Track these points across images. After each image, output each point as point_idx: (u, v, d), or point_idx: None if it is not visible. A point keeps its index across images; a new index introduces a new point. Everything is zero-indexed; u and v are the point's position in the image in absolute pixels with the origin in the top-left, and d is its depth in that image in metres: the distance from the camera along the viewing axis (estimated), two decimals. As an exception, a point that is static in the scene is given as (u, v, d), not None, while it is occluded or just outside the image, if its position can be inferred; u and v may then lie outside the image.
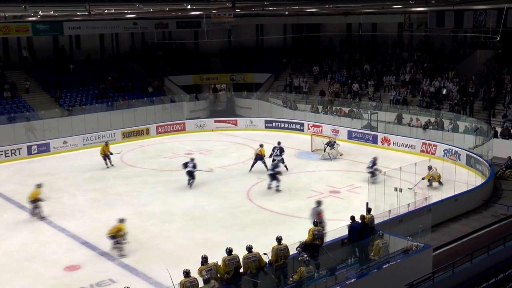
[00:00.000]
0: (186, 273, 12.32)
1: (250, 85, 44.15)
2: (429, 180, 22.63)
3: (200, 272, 12.56)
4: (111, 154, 28.11)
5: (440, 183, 22.79)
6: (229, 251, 13.30)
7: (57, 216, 21.10)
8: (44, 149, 30.65)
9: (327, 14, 41.53)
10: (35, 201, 20.58)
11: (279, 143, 26.49)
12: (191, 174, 24.01)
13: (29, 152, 30.21)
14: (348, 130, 32.67)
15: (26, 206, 22.27)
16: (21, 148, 30.08)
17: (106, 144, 28.55)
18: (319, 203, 17.57)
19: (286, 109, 37.80)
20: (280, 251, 13.72)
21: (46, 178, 26.36)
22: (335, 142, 28.78)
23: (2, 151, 29.55)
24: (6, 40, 39.09)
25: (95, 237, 18.81)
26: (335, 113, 35.27)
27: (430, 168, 22.68)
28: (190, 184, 24.01)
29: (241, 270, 13.31)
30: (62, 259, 17.25)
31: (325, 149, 28.67)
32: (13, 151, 29.76)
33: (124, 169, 27.93)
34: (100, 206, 22.10)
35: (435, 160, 25.01)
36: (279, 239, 13.91)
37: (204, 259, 12.89)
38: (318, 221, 15.51)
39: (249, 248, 13.49)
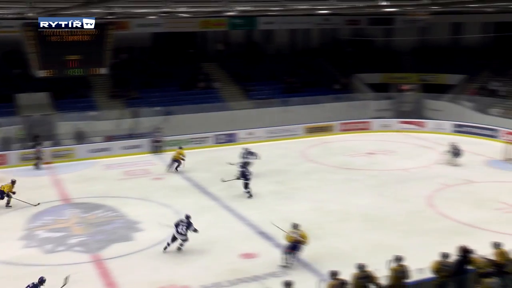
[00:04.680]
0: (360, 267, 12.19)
1: (441, 86, 42.08)
2: None
3: (355, 278, 12.14)
4: (13, 193, 21.81)
5: None
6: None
7: (238, 204, 21.84)
8: (231, 139, 31.97)
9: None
10: None
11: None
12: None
13: (217, 141, 31.72)
14: (551, 140, 29.76)
15: (210, 192, 23.46)
16: (209, 137, 31.73)
17: (13, 183, 22.09)
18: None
19: (478, 113, 35.46)
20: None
21: (231, 167, 27.36)
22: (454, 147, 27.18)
23: (193, 139, 31.44)
24: (204, 34, 41.36)
25: (272, 228, 19.11)
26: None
27: None
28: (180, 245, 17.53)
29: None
30: (239, 245, 17.77)
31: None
32: (202, 139, 31.45)
33: (305, 164, 28.15)
34: (279, 199, 22.45)
35: None
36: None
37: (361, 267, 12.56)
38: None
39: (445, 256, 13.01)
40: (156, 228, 18.83)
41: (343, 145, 32.26)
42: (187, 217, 17.38)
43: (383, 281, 12.45)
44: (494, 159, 28.21)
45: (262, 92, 37.95)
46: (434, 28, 42.33)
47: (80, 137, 30.93)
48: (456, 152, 27.27)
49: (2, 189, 21.78)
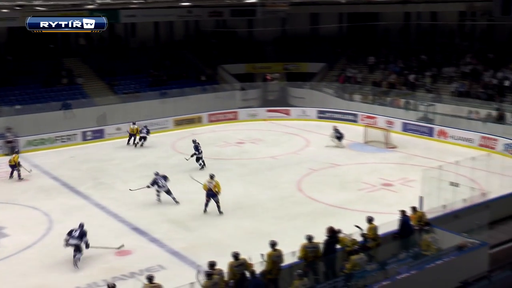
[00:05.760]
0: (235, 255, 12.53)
1: (304, 74, 43.71)
2: None
3: (231, 267, 12.49)
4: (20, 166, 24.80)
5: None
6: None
7: (109, 201, 21.44)
8: (98, 135, 31.20)
9: (384, 2, 40.61)
10: None
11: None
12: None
13: (84, 138, 30.80)
14: (403, 122, 31.97)
15: (80, 191, 22.79)
16: (76, 134, 30.73)
17: (17, 153, 25.80)
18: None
19: (339, 99, 37.27)
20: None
21: (99, 164, 26.94)
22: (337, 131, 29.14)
23: (59, 137, 30.28)
24: (64, 28, 39.79)
25: (145, 224, 19.00)
26: (389, 104, 34.51)
27: None
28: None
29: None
30: (113, 243, 17.45)
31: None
32: (68, 137, 30.43)
33: (176, 156, 28.11)
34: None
35: (495, 154, 24.18)
36: (309, 238, 13.55)
37: (235, 256, 12.75)
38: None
39: (310, 238, 13.39)
40: (23, 232, 18.02)
41: (212, 136, 32.55)
42: (156, 173, 20.96)
43: (259, 267, 12.80)
44: (355, 142, 29.85)
45: (128, 86, 37.30)
46: (294, 19, 43.78)
47: None
48: (339, 135, 28.66)
49: (12, 163, 24.43)
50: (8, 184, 24.22)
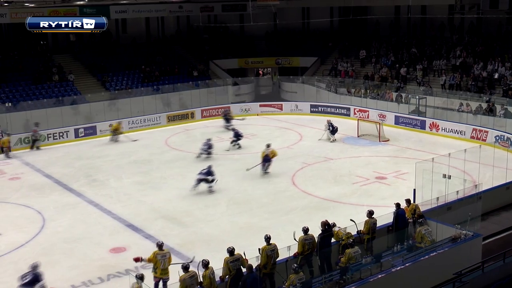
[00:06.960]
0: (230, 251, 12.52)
1: (296, 69, 43.73)
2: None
3: (226, 262, 12.45)
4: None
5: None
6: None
7: (103, 198, 21.38)
8: (90, 132, 31.09)
9: (374, -4, 40.62)
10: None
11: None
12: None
13: (76, 135, 30.71)
14: (395, 115, 32.05)
15: (73, 188, 22.73)
16: (68, 131, 30.62)
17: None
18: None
19: (332, 93, 37.28)
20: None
21: (92, 161, 26.84)
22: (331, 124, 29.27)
23: (51, 134, 30.16)
24: (54, 24, 39.58)
25: (140, 220, 18.97)
26: (381, 97, 34.56)
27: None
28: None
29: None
30: (107, 241, 17.45)
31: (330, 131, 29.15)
32: (60, 134, 30.32)
33: (169, 152, 28.08)
34: (145, 189, 22.26)
35: (486, 146, 24.24)
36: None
37: (231, 251, 12.67)
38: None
39: (306, 230, 13.55)
40: (16, 231, 17.99)
41: (205, 131, 32.49)
42: (209, 139, 26.49)
43: (254, 261, 12.80)
44: (349, 136, 29.90)
45: (120, 82, 37.16)
46: (285, 13, 43.74)
47: None
48: (333, 129, 28.76)
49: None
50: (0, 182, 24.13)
